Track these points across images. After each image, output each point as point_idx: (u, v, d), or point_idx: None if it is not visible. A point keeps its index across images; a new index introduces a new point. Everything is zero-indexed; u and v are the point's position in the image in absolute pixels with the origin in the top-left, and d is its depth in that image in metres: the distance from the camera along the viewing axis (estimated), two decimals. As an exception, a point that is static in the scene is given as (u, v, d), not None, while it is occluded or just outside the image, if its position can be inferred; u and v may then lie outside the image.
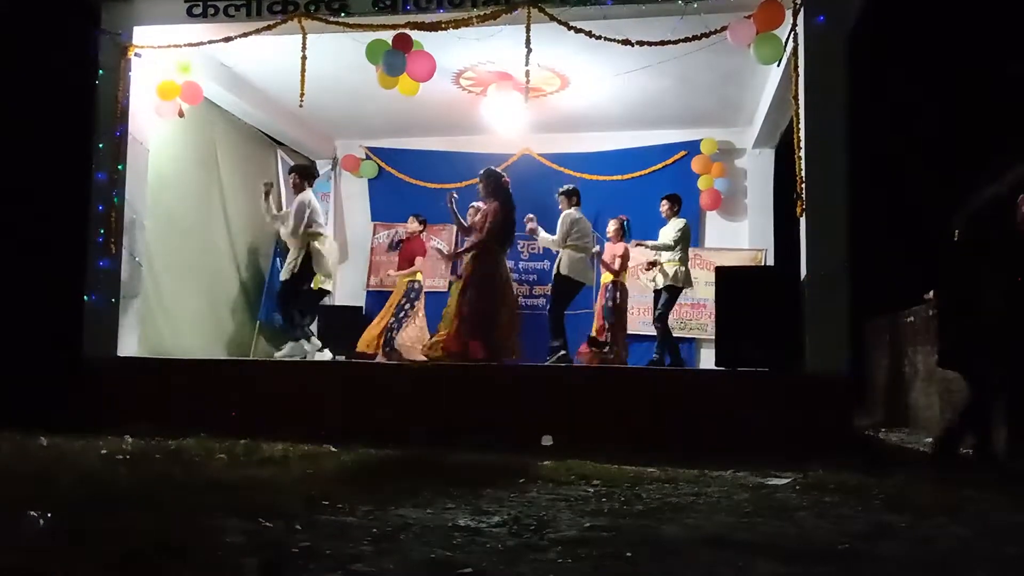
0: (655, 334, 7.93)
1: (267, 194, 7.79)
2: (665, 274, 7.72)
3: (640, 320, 8.87)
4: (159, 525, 2.88)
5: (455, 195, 7.57)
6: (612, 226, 8.17)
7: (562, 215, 7.65)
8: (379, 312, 8.71)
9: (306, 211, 7.50)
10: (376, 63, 6.60)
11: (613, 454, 4.95)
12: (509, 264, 7.59)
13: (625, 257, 8.01)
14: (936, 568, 2.67)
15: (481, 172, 7.34)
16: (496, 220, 7.03)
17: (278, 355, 7.48)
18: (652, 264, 7.84)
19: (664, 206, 8.00)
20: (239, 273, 8.90)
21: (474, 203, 7.71)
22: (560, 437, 5.50)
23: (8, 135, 7.38)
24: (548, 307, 7.69)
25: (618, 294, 7.94)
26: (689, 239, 7.94)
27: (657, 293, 7.86)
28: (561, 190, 7.79)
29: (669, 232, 7.85)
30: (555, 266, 7.58)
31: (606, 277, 8.07)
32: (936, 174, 11.62)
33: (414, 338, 8.30)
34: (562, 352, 7.18)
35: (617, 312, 7.91)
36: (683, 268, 7.71)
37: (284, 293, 7.70)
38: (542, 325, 7.74)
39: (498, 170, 7.42)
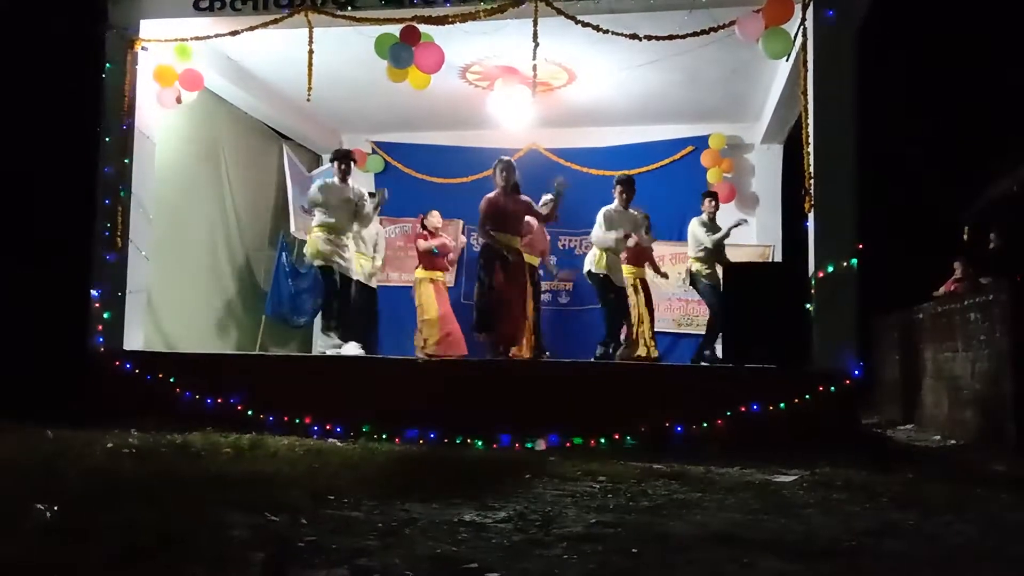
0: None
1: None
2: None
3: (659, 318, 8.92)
4: (164, 519, 2.88)
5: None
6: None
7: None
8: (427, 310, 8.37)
9: None
10: (384, 57, 6.59)
11: (619, 450, 4.94)
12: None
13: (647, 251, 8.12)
14: (942, 566, 2.65)
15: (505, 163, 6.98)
16: None
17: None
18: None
19: (710, 204, 8.04)
20: (245, 267, 8.91)
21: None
22: (565, 433, 5.48)
23: (15, 129, 7.39)
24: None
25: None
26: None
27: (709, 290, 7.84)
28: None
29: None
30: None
31: (634, 272, 8.04)
32: (945, 170, 11.58)
33: None
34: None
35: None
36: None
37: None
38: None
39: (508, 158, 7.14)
